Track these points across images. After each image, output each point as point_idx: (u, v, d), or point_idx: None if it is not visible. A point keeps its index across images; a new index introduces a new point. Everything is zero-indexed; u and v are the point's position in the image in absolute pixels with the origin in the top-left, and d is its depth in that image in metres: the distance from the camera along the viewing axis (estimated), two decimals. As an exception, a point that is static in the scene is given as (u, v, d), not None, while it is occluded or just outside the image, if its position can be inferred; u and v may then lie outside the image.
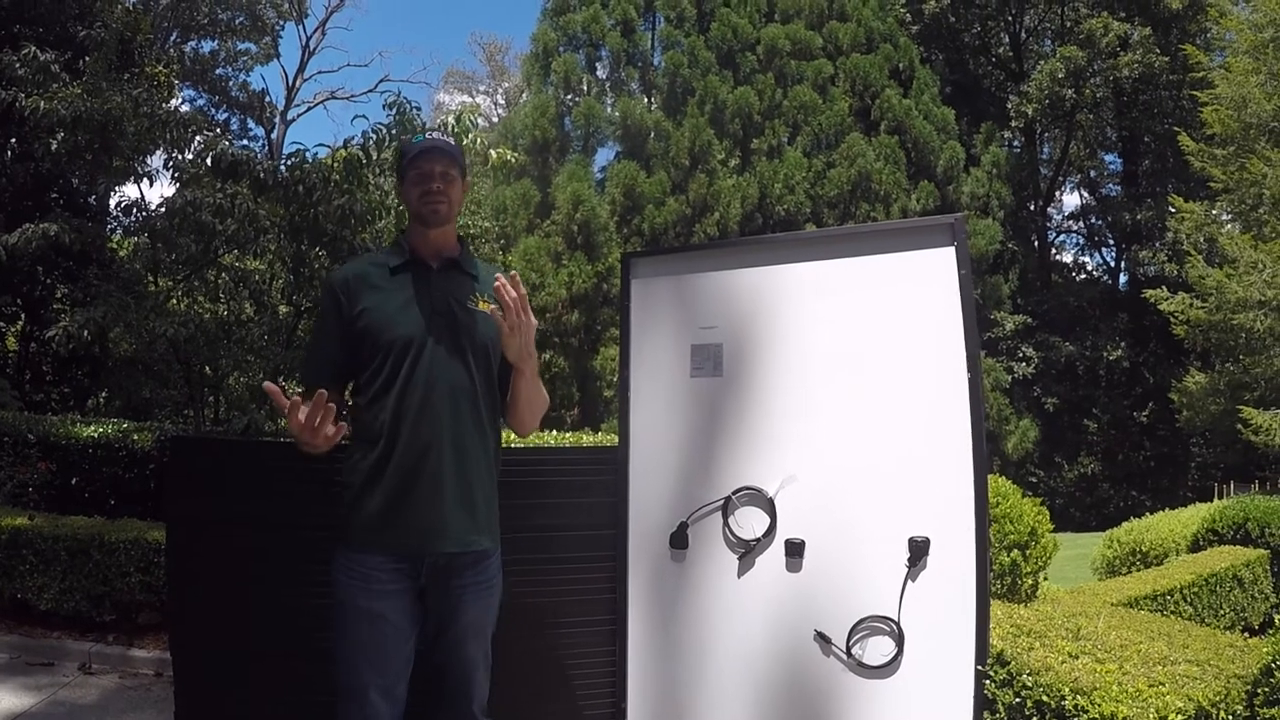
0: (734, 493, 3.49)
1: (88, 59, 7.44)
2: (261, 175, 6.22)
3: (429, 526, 2.73)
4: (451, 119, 6.86)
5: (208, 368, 7.33)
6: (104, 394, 14.87)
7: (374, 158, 6.56)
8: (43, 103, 6.52)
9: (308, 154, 6.43)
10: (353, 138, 6.74)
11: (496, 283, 2.70)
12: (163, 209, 6.61)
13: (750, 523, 3.46)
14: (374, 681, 2.73)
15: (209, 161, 6.36)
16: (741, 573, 3.48)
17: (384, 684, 2.74)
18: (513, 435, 7.24)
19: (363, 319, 2.79)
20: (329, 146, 7.24)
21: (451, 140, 2.98)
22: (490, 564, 2.91)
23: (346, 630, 2.75)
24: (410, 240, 2.95)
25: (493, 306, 2.80)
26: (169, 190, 6.93)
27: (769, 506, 3.42)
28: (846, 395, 3.36)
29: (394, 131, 6.55)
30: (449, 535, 2.75)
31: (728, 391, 3.57)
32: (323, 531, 3.50)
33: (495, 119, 41.58)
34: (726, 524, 3.50)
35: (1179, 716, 3.05)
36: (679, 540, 3.58)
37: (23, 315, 14.14)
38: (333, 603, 2.79)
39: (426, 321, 2.81)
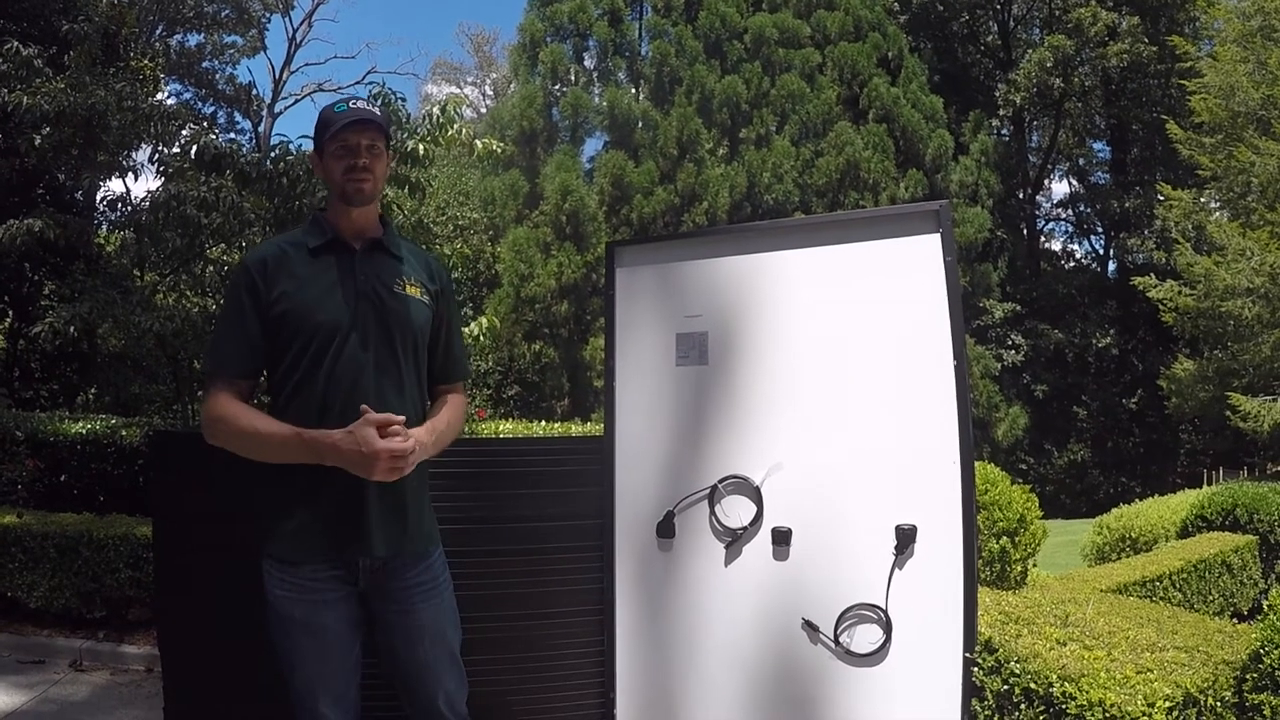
0: (720, 481, 3.49)
1: (72, 53, 7.39)
2: (246, 168, 6.19)
3: (356, 531, 2.57)
4: (437, 109, 6.84)
5: (196, 362, 7.30)
6: (93, 390, 14.82)
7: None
8: (26, 98, 6.48)
9: (291, 146, 6.41)
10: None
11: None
12: (147, 203, 6.58)
13: (737, 511, 3.46)
14: (322, 692, 2.61)
15: (193, 155, 6.33)
16: (729, 561, 3.48)
17: (334, 692, 2.63)
18: (500, 426, 7.28)
19: (280, 304, 2.56)
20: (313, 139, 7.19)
21: (376, 110, 2.74)
22: (433, 562, 2.76)
23: (290, 644, 2.59)
24: (331, 219, 2.72)
25: (421, 291, 2.71)
26: (155, 185, 6.89)
27: (755, 495, 3.42)
28: (832, 383, 3.35)
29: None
30: (376, 539, 2.58)
31: (713, 380, 3.56)
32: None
33: (483, 110, 41.53)
34: (713, 513, 3.49)
35: (1167, 703, 3.05)
36: (665, 529, 3.57)
37: (10, 312, 14.07)
38: (269, 616, 2.62)
39: (351, 307, 2.60)
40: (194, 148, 6.32)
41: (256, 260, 2.63)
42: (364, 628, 2.68)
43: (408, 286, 2.71)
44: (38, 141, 6.94)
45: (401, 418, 2.49)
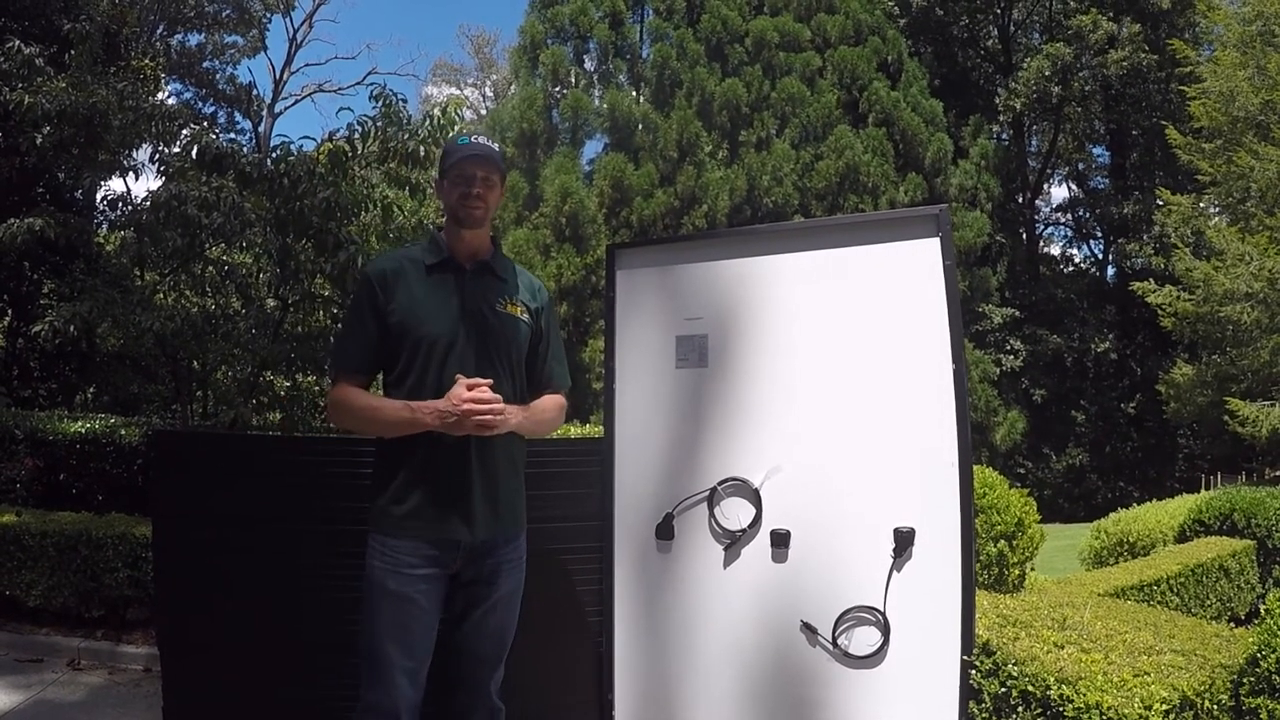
0: (719, 484, 3.50)
1: (73, 53, 7.38)
2: (247, 168, 6.18)
3: (459, 521, 2.84)
4: (438, 111, 6.84)
5: (195, 362, 7.29)
6: (92, 390, 14.81)
7: (359, 150, 6.53)
8: (27, 97, 6.47)
9: (292, 146, 6.41)
10: (337, 130, 6.72)
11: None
12: (148, 203, 6.57)
13: (736, 514, 3.47)
14: (400, 663, 2.80)
15: (194, 154, 6.32)
16: (727, 563, 3.49)
17: (410, 666, 2.82)
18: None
19: (396, 314, 2.88)
20: (314, 139, 7.21)
21: (495, 146, 3.07)
22: (520, 543, 3.05)
23: (376, 611, 2.82)
24: (447, 240, 3.02)
25: (521, 309, 3.01)
26: (155, 184, 6.89)
27: (754, 497, 3.43)
28: (831, 386, 3.36)
29: (379, 124, 6.53)
30: (478, 524, 2.87)
31: (713, 382, 3.57)
32: (307, 525, 3.51)
33: (484, 111, 41.49)
34: (712, 515, 3.50)
35: (1164, 706, 3.05)
36: (664, 531, 3.58)
37: (9, 311, 14.06)
38: (366, 584, 2.86)
39: (458, 322, 2.90)
40: (195, 147, 6.31)
41: (377, 273, 2.96)
42: (445, 611, 2.92)
43: (509, 305, 3.01)
44: (39, 140, 6.93)
45: (489, 381, 2.81)
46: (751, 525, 3.44)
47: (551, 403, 3.15)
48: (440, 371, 2.85)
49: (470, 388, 2.76)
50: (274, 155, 6.30)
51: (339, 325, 6.03)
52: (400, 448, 2.86)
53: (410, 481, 2.85)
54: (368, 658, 2.84)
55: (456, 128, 6.83)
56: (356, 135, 6.43)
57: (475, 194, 2.95)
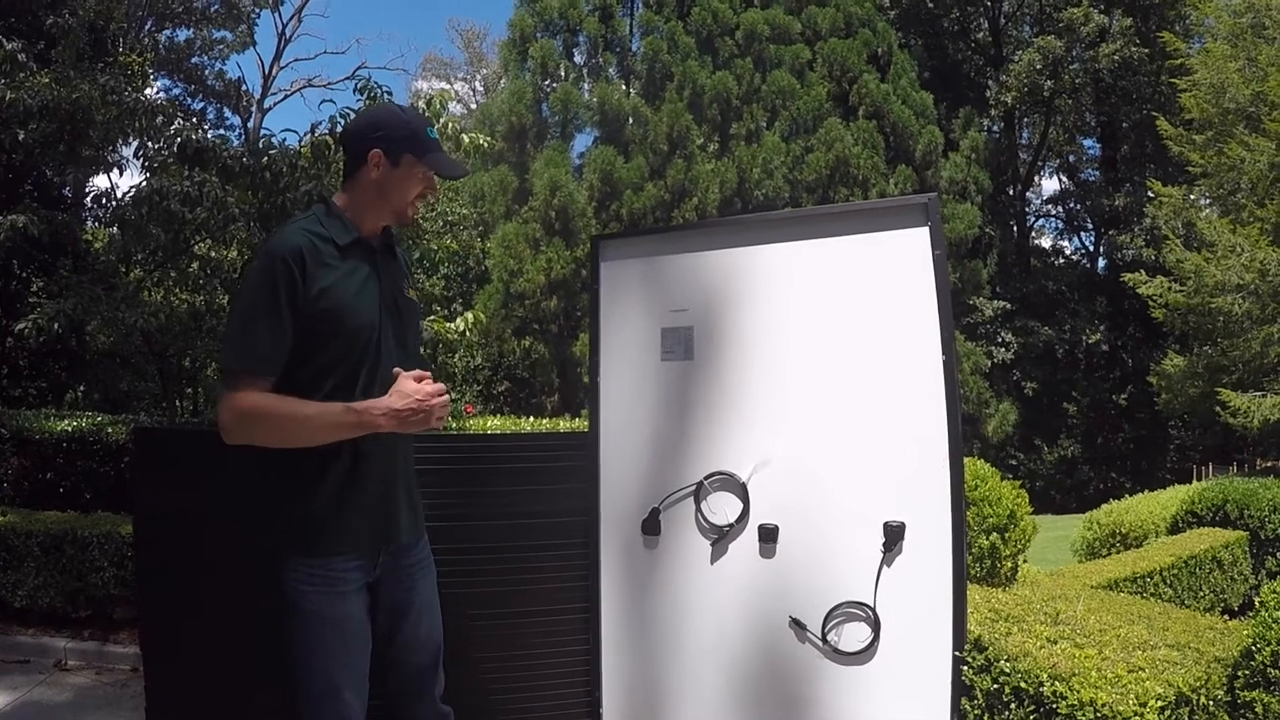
0: (706, 478, 3.45)
1: (58, 48, 7.34)
2: (229, 162, 6.14)
3: (389, 520, 2.69)
4: (423, 103, 6.80)
5: (185, 359, 7.26)
6: (82, 388, 14.78)
7: (344, 142, 6.49)
8: (9, 93, 6.42)
9: (275, 140, 6.37)
10: (320, 122, 6.67)
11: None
12: (130, 198, 6.52)
13: (723, 508, 3.42)
14: (347, 682, 2.61)
15: (175, 149, 6.28)
16: (715, 559, 3.44)
17: (355, 681, 2.64)
18: (489, 422, 7.24)
19: (324, 299, 2.51)
20: (296, 132, 7.16)
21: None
22: (424, 541, 2.90)
23: (317, 642, 2.59)
24: (358, 218, 2.68)
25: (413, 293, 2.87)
26: (140, 180, 6.83)
27: (741, 491, 3.39)
28: (819, 378, 3.32)
29: (363, 116, 6.48)
30: (404, 526, 2.74)
31: (699, 375, 3.53)
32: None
33: (474, 105, 41.44)
34: (699, 510, 3.46)
35: (1159, 702, 3.03)
36: (651, 526, 3.54)
37: (-3, 309, 14.02)
38: (289, 612, 2.61)
39: (379, 310, 2.64)
40: (177, 141, 6.27)
41: (292, 249, 2.51)
42: (373, 618, 2.73)
43: (409, 289, 2.84)
44: (21, 137, 6.88)
45: (428, 372, 2.61)
46: (739, 520, 3.39)
47: None
48: (371, 367, 2.60)
49: (419, 379, 2.56)
50: (257, 148, 6.25)
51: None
52: (320, 456, 2.55)
53: (339, 491, 2.58)
54: (311, 690, 2.60)
55: (442, 120, 6.79)
56: (339, 126, 6.39)
57: (429, 200, 2.83)
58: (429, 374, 2.60)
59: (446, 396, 2.59)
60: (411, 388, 2.53)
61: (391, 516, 2.70)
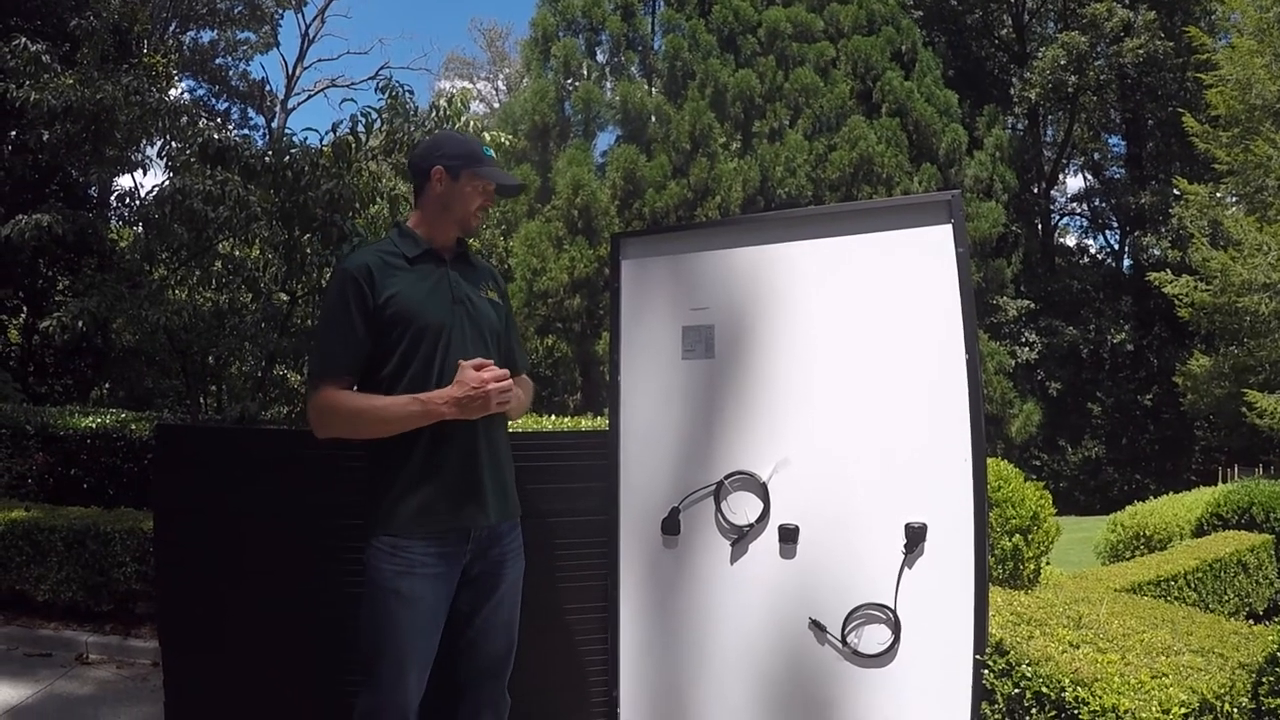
0: (726, 477, 3.44)
1: (83, 50, 7.37)
2: (250, 161, 6.15)
3: (474, 508, 2.85)
4: (443, 102, 6.80)
5: (210, 357, 7.29)
6: (106, 385, 14.89)
7: (364, 142, 6.50)
8: (34, 94, 6.46)
9: (296, 139, 6.38)
10: (341, 121, 6.67)
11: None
12: (153, 198, 6.55)
13: (743, 508, 3.41)
14: (414, 665, 2.78)
15: (197, 148, 6.30)
16: (734, 559, 3.43)
17: (422, 665, 2.80)
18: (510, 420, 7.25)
19: (392, 305, 2.82)
20: (317, 131, 7.18)
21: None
22: (519, 530, 3.06)
23: (388, 615, 2.77)
24: (429, 233, 3.01)
25: (496, 296, 3.08)
26: (165, 180, 6.86)
27: (762, 491, 3.37)
28: (841, 377, 3.30)
29: (385, 115, 6.50)
30: (491, 508, 2.89)
31: (720, 374, 3.52)
32: (310, 519, 3.47)
33: (496, 105, 41.50)
34: (719, 509, 3.45)
35: (1183, 709, 2.99)
36: (670, 526, 3.53)
37: (24, 308, 14.14)
38: (368, 586, 2.81)
39: (450, 309, 2.90)
40: (199, 140, 6.30)
41: (359, 266, 2.86)
42: (450, 607, 2.89)
43: (487, 292, 3.06)
44: (45, 137, 6.92)
45: (491, 360, 2.83)
46: (759, 520, 3.38)
47: (528, 383, 3.23)
48: (443, 360, 2.83)
49: (478, 368, 2.76)
50: (278, 147, 6.27)
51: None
52: (402, 444, 2.80)
53: (419, 476, 2.80)
54: (377, 662, 2.78)
55: (463, 119, 6.79)
56: (360, 126, 6.39)
57: (486, 211, 3.09)
58: (491, 362, 2.80)
59: (508, 382, 2.80)
60: (471, 376, 2.75)
61: (475, 499, 2.85)
